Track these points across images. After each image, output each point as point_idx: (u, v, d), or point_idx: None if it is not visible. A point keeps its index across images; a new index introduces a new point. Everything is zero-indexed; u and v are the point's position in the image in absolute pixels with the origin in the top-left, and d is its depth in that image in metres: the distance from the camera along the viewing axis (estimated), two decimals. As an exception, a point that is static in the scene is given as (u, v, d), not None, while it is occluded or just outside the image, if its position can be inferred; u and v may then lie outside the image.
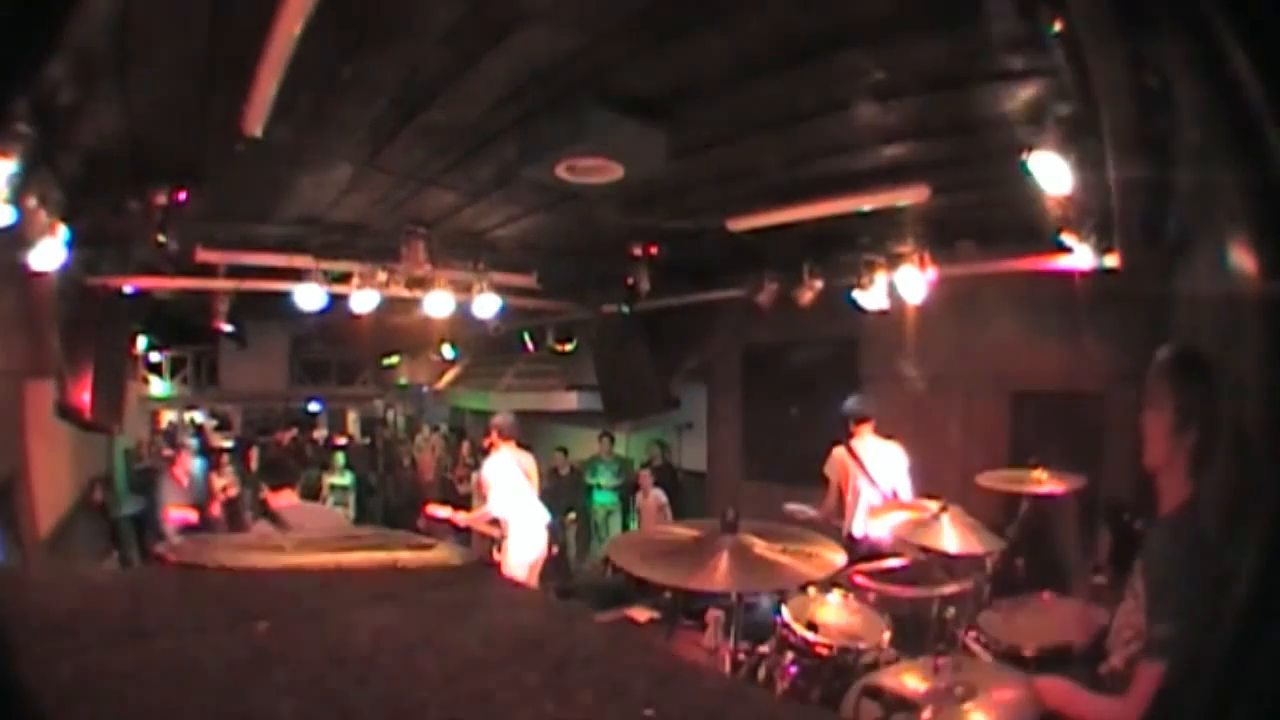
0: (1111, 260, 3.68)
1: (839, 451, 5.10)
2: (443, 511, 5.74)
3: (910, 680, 2.49)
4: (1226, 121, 0.77)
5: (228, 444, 10.52)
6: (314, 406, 14.10)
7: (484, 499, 5.35)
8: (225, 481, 7.65)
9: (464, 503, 6.90)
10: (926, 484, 4.64)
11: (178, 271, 5.37)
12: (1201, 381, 1.62)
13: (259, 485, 3.87)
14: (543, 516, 5.35)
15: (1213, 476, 1.54)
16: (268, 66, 2.61)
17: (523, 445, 5.45)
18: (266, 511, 3.57)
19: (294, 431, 11.97)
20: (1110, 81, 2.10)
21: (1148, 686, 1.53)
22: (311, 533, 2.97)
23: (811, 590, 3.37)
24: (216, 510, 7.07)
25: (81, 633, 0.55)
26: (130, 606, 0.63)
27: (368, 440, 12.71)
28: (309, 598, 0.67)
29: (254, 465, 8.75)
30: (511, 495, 5.17)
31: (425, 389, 13.72)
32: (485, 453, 5.73)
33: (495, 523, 5.20)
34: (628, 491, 8.57)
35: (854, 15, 2.55)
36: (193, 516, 6.45)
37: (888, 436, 5.00)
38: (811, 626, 3.16)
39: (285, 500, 3.57)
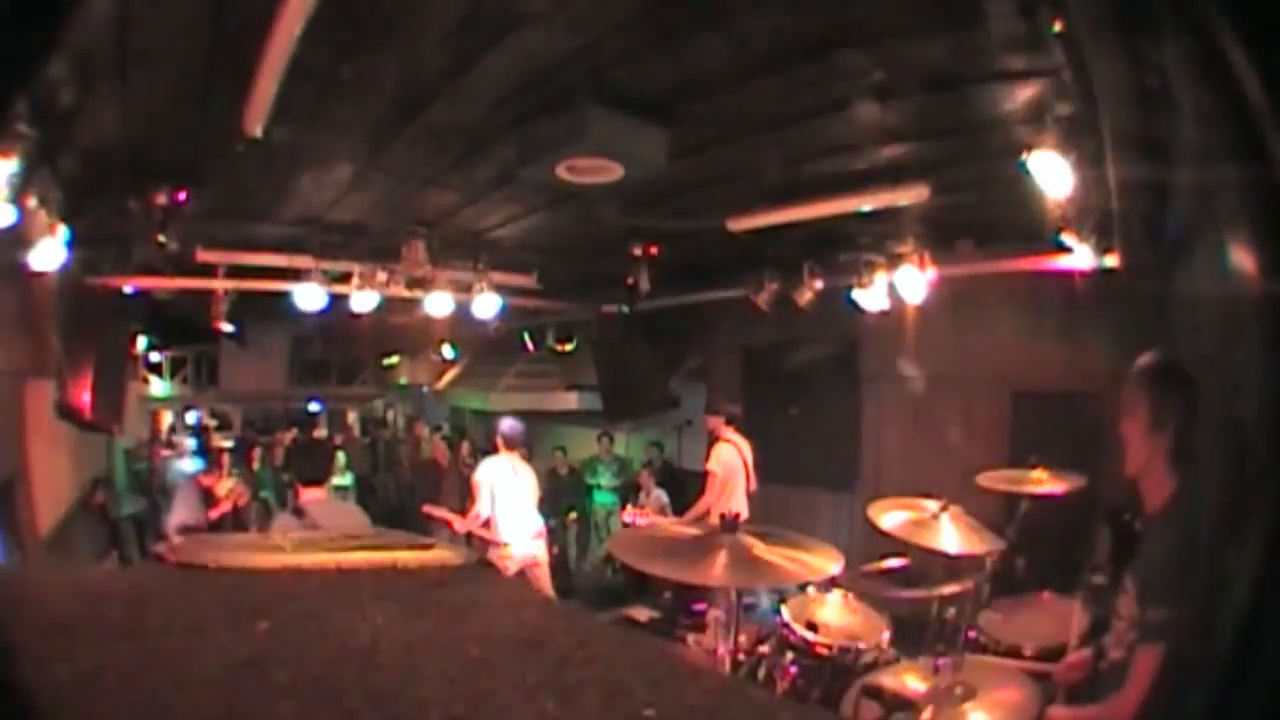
0: (1111, 260, 3.68)
1: (729, 449, 5.24)
2: (439, 511, 5.76)
3: (910, 680, 2.50)
4: (1226, 121, 0.77)
5: (228, 444, 10.51)
6: (314, 406, 14.09)
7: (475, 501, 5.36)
8: (232, 485, 7.62)
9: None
10: (927, 484, 4.64)
11: (178, 271, 5.38)
12: (1173, 383, 1.67)
13: (293, 480, 3.90)
14: (534, 524, 5.34)
15: (1209, 476, 1.55)
16: (268, 66, 2.61)
17: (526, 457, 5.45)
18: (294, 506, 3.60)
19: (294, 431, 11.96)
20: (1110, 81, 2.10)
21: (1147, 669, 1.55)
22: (332, 528, 3.00)
23: (811, 590, 3.38)
24: (219, 515, 7.05)
25: (81, 633, 0.55)
26: (130, 606, 0.63)
27: (367, 440, 12.70)
28: (309, 598, 0.67)
29: (255, 466, 8.73)
30: (501, 499, 5.18)
31: (425, 389, 13.72)
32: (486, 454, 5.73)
33: (487, 524, 5.20)
34: (628, 492, 8.56)
35: (854, 15, 2.55)
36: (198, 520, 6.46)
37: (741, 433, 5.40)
38: (811, 626, 3.17)
39: (312, 495, 3.59)
